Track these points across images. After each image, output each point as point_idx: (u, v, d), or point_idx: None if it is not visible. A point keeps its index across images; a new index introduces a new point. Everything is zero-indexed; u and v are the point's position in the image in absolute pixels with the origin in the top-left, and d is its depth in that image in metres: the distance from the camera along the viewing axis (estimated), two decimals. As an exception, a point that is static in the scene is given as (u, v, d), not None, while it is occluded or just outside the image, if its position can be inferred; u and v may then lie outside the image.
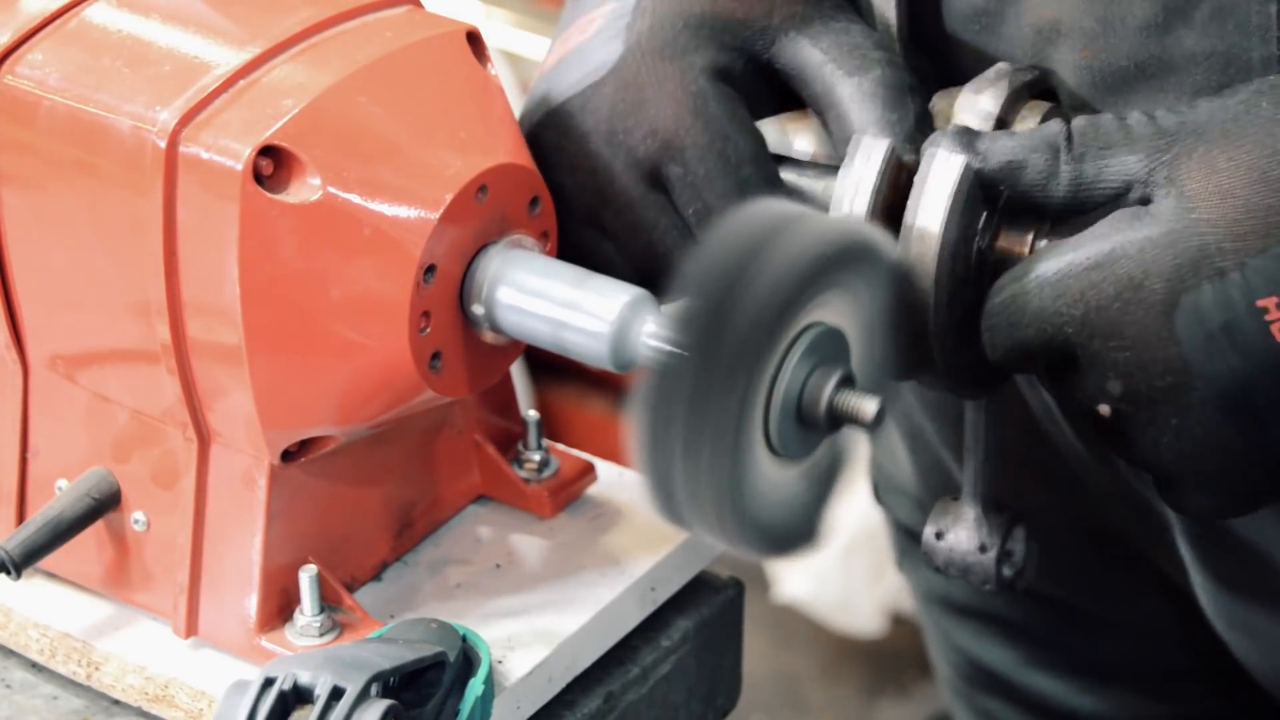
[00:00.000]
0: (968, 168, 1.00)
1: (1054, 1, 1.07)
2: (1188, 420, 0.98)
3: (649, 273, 1.07)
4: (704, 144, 1.05)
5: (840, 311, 0.96)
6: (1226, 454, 0.99)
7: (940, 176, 1.00)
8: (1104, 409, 1.00)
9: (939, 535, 1.10)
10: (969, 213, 1.01)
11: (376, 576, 1.17)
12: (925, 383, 1.06)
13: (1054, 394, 1.04)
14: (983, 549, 1.09)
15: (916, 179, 1.01)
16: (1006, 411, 1.12)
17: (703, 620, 1.22)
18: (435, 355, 1.06)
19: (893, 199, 1.03)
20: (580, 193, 1.09)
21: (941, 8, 1.11)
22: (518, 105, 1.11)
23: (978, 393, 1.07)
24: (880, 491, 1.50)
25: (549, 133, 1.10)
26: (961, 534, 1.09)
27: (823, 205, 1.05)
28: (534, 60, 3.14)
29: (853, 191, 1.02)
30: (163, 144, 1.02)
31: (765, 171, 1.06)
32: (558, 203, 1.09)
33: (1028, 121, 1.05)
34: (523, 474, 1.22)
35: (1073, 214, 1.01)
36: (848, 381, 0.96)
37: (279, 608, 1.11)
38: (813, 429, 0.96)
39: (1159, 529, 1.25)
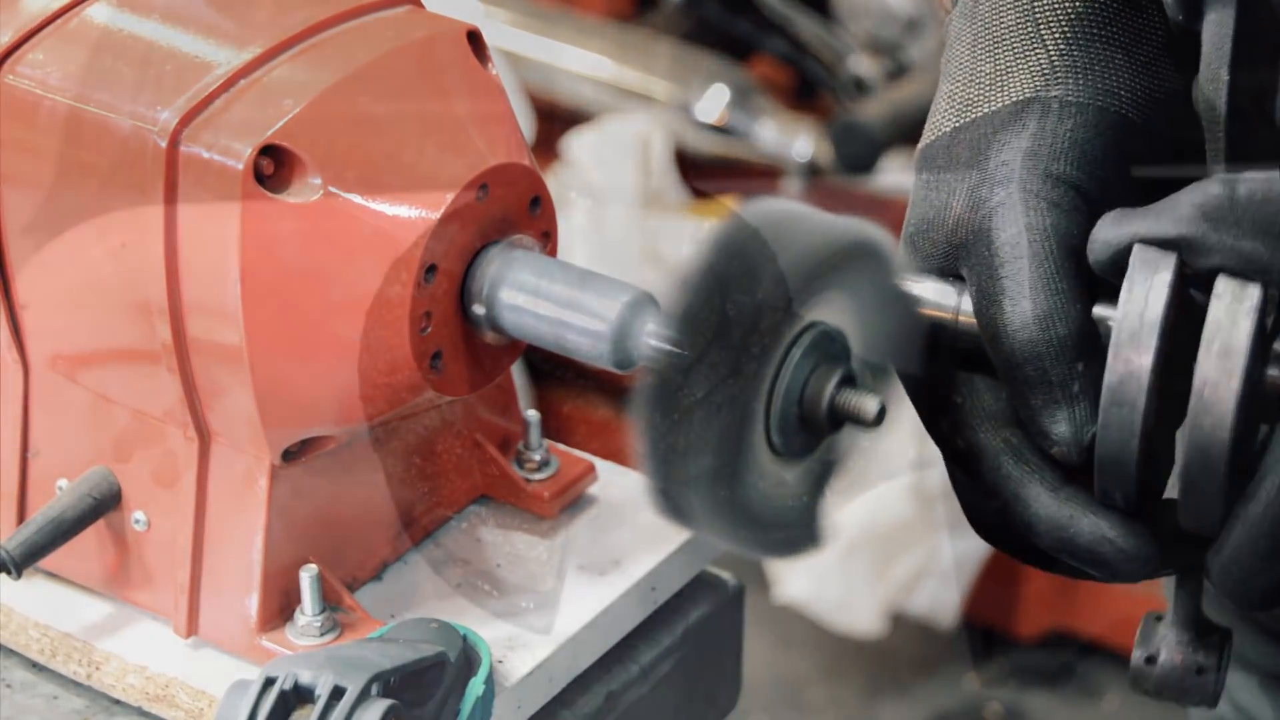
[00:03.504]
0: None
1: None
2: None
3: None
4: None
5: (841, 310, 0.96)
6: None
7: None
8: None
9: (1149, 660, 1.01)
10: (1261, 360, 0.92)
11: (377, 576, 1.17)
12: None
13: None
14: (1200, 670, 1.00)
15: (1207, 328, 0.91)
16: None
17: (703, 620, 1.21)
18: (436, 355, 1.06)
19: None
20: None
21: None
22: (518, 105, 1.11)
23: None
24: None
25: None
26: (1176, 657, 1.01)
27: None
28: (534, 60, 3.13)
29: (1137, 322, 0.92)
30: (164, 143, 1.02)
31: None
32: None
33: None
34: (523, 474, 1.22)
35: None
36: (849, 380, 0.95)
37: (280, 607, 1.11)
38: (814, 428, 0.95)
39: None
